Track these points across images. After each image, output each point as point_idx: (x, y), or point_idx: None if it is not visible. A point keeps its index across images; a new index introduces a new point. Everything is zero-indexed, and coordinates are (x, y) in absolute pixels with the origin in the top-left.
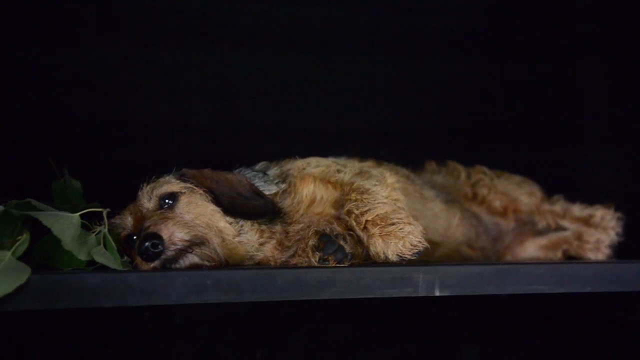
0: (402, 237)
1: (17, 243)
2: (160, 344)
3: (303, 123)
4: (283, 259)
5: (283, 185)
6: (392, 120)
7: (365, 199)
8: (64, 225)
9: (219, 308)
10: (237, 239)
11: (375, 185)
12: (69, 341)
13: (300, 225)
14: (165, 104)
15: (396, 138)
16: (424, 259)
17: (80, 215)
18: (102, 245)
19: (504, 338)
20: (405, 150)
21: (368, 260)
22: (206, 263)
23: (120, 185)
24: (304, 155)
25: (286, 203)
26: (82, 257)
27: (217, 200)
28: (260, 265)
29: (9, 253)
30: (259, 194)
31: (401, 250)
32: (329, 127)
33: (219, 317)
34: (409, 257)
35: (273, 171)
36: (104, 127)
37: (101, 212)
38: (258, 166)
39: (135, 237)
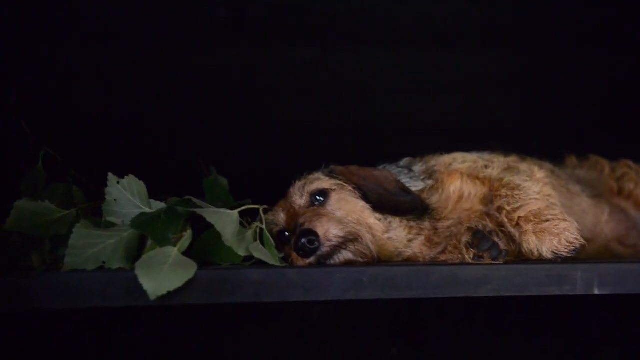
0: (558, 234)
1: (182, 239)
2: (298, 338)
3: (438, 119)
4: (432, 256)
5: (429, 182)
6: (525, 114)
7: (516, 195)
8: (225, 221)
9: (356, 303)
10: (386, 235)
11: (526, 180)
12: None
13: (449, 222)
14: (300, 102)
15: (529, 133)
16: (575, 256)
17: None
18: (258, 241)
19: None
20: (539, 145)
21: (520, 257)
22: (359, 259)
23: (259, 182)
24: (443, 150)
25: (434, 199)
26: (241, 252)
27: (365, 197)
28: (409, 261)
29: (175, 249)
30: (405, 190)
31: (557, 247)
32: (464, 123)
33: (357, 312)
34: (564, 254)
35: (418, 167)
36: (241, 127)
37: (249, 209)
38: (402, 162)
39: (287, 233)
